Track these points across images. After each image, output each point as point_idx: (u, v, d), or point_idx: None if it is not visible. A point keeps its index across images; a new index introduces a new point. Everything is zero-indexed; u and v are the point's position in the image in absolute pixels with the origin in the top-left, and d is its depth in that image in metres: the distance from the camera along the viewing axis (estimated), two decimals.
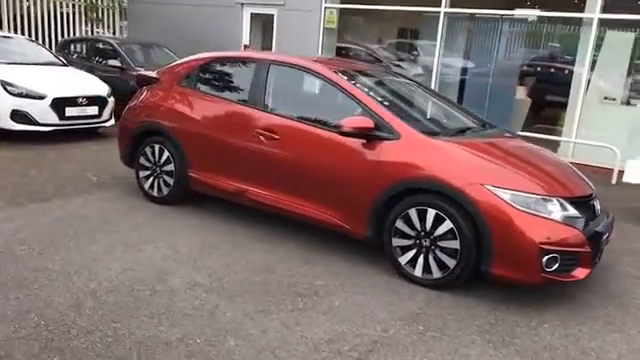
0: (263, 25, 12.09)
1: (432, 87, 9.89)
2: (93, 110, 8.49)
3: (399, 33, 12.36)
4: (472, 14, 10.21)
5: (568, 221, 3.78)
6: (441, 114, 5.06)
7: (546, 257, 3.65)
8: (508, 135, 4.91)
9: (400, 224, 4.06)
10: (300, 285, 3.89)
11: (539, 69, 10.89)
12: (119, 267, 3.94)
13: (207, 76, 5.28)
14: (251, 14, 12.10)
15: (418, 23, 11.02)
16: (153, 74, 5.60)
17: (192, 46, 11.38)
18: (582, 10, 9.04)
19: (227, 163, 4.93)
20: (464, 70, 10.71)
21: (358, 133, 4.13)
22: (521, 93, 10.71)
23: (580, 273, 3.80)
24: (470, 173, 3.86)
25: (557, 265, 3.70)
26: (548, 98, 10.82)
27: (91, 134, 8.66)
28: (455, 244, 3.84)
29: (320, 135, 4.44)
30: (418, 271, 4.03)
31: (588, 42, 9.04)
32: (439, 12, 9.97)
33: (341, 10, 11.21)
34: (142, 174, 5.56)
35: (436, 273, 3.96)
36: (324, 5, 11.10)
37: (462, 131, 4.56)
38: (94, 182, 6.14)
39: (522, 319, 3.66)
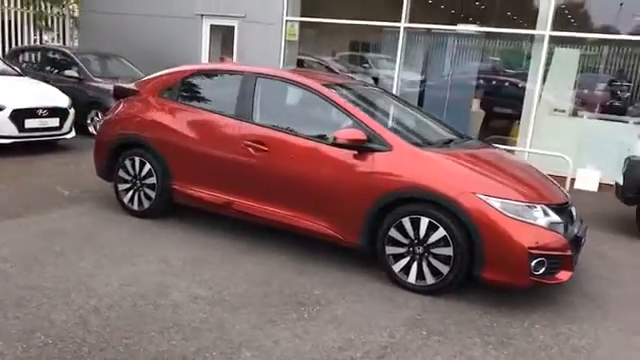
0: (223, 37, 12.06)
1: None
2: (54, 122, 8.25)
3: (359, 47, 12.61)
4: (429, 29, 10.57)
5: (552, 227, 4.02)
6: (423, 126, 5.24)
7: (534, 261, 3.86)
8: (485, 146, 5.15)
9: (394, 233, 4.19)
10: (300, 295, 3.94)
11: (493, 83, 11.37)
12: (116, 282, 3.88)
13: (190, 88, 5.27)
14: (211, 26, 12.05)
15: (378, 37, 11.29)
16: (132, 86, 5.53)
17: (150, 57, 11.32)
18: (534, 27, 9.54)
19: (212, 175, 4.93)
20: (423, 83, 11.05)
21: (351, 145, 4.25)
22: (475, 105, 11.15)
23: (564, 276, 4.03)
24: (461, 183, 4.04)
25: (544, 268, 3.92)
26: (502, 110, 11.30)
27: (51, 147, 8.38)
28: (448, 251, 4.00)
29: (311, 147, 4.52)
30: (412, 278, 4.16)
31: (539, 57, 9.54)
32: (399, 27, 10.26)
33: (302, 23, 11.33)
34: (121, 187, 5.46)
35: (430, 279, 4.10)
36: (285, 18, 11.21)
37: (447, 143, 4.75)
38: (66, 196, 5.97)
39: (514, 321, 3.85)
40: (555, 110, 9.95)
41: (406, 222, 4.14)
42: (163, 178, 5.17)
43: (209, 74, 5.36)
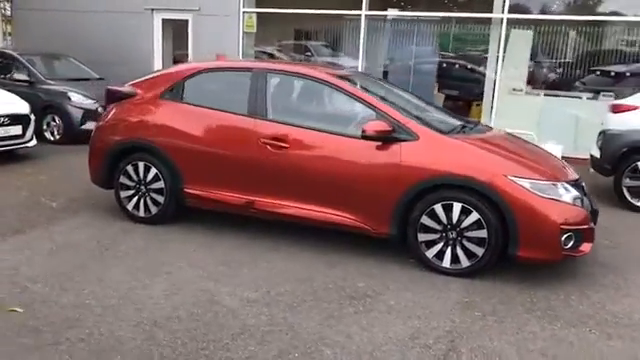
0: (177, 31, 11.71)
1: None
2: (16, 130, 7.79)
3: (319, 36, 12.58)
4: (385, 16, 10.72)
5: (575, 202, 4.24)
6: (433, 113, 5.34)
7: (564, 236, 4.07)
8: (492, 129, 5.33)
9: (425, 219, 4.29)
10: (347, 289, 3.97)
11: (453, 66, 11.70)
12: (160, 293, 3.75)
13: (194, 88, 5.11)
14: (163, 20, 11.66)
15: (339, 25, 11.32)
16: (129, 88, 5.30)
17: (97, 56, 10.86)
18: (491, 11, 9.89)
19: (229, 175, 4.83)
20: (386, 69, 11.20)
21: (380, 137, 4.29)
22: (434, 90, 11.46)
23: (586, 247, 4.27)
24: (491, 166, 4.19)
25: (572, 242, 4.14)
26: (461, 93, 11.67)
27: (13, 157, 7.87)
28: (482, 233, 4.14)
29: (335, 141, 4.53)
30: (446, 262, 4.28)
31: (497, 40, 9.92)
32: (360, 15, 10.33)
33: (259, 14, 11.19)
34: (124, 194, 5.25)
35: (464, 262, 4.24)
36: (242, 9, 11.02)
37: (462, 128, 4.87)
38: (55, 207, 5.67)
39: (550, 294, 4.05)
40: (513, 89, 10.38)
41: (438, 208, 4.24)
42: (172, 182, 5.02)
43: (214, 72, 5.20)
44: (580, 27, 10.09)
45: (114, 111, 5.32)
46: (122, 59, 11.44)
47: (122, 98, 5.31)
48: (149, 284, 3.89)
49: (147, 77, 5.44)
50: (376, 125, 4.28)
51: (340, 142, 4.52)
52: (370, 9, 10.32)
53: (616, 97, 10.01)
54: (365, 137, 4.30)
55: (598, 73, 10.87)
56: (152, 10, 11.60)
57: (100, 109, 9.42)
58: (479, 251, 4.18)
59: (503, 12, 9.64)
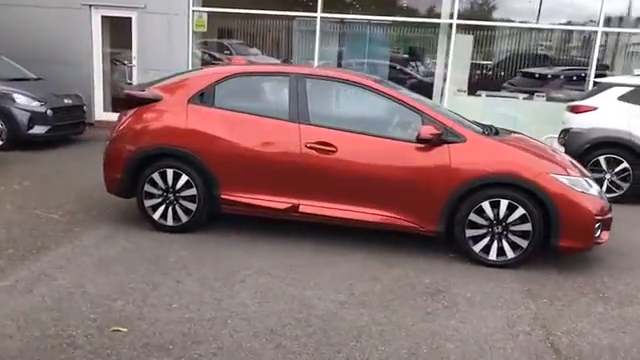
0: (119, 29, 11.14)
1: None
2: None
3: (271, 37, 12.52)
4: (343, 19, 10.98)
5: (600, 194, 4.75)
6: (458, 116, 5.61)
7: (596, 226, 4.56)
8: (510, 131, 5.64)
9: (473, 216, 4.59)
10: (417, 286, 4.17)
11: (401, 68, 12.17)
12: (251, 302, 3.72)
13: (228, 92, 5.01)
14: (102, 17, 11.04)
15: (293, 27, 11.38)
16: (154, 93, 5.08)
17: (31, 54, 10.12)
18: (439, 17, 10.49)
19: (271, 180, 4.83)
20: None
21: (433, 139, 4.52)
22: None
23: (606, 235, 4.80)
24: (535, 165, 4.58)
25: (599, 231, 4.64)
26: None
27: None
28: (527, 227, 4.52)
29: (383, 144, 4.70)
30: (492, 255, 4.62)
31: (444, 43, 10.55)
32: (315, 16, 10.50)
33: (210, 13, 10.97)
34: (148, 203, 5.04)
35: (510, 254, 4.60)
36: (192, 8, 10.74)
37: (491, 130, 5.21)
38: (60, 220, 5.30)
39: (587, 279, 4.52)
40: (458, 90, 11.08)
41: (486, 205, 4.56)
42: (207, 188, 4.91)
43: (246, 77, 5.14)
44: (512, 32, 10.99)
45: (135, 117, 5.08)
46: (59, 58, 10.73)
47: (141, 103, 5.08)
48: (233, 294, 3.83)
49: (168, 81, 5.26)
50: (430, 129, 4.50)
51: (388, 145, 4.70)
52: (324, 11, 10.50)
53: (548, 98, 11.13)
54: (421, 140, 4.51)
55: (525, 75, 11.90)
56: (90, 6, 10.94)
57: (49, 112, 8.84)
58: (524, 243, 4.55)
59: (452, 18, 10.25)
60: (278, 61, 11.54)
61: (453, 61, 10.72)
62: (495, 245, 4.61)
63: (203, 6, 10.94)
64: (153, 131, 5.01)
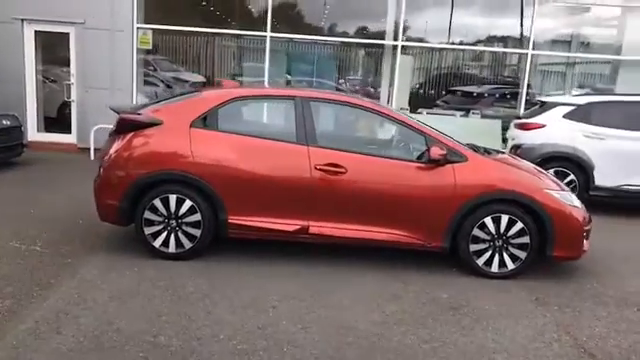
0: (54, 45, 10.55)
1: None
2: None
3: (221, 55, 12.34)
4: (291, 38, 11.10)
5: (581, 206, 5.19)
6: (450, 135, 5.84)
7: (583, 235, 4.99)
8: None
9: (477, 232, 4.86)
10: (440, 301, 4.34)
11: (349, 86, 12.46)
12: (293, 328, 3.71)
13: (231, 115, 4.97)
14: (36, 32, 10.42)
15: (243, 45, 11.34)
16: (152, 117, 4.91)
17: None
18: (391, 38, 10.92)
19: (280, 203, 4.83)
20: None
21: (442, 160, 4.75)
22: None
23: (587, 245, 5.23)
24: (531, 182, 4.93)
25: (584, 241, 5.07)
26: None
27: None
28: (525, 239, 4.85)
29: (390, 164, 4.86)
30: (494, 268, 4.90)
31: (389, 64, 10.99)
32: (265, 36, 10.55)
33: (155, 30, 10.69)
34: (148, 231, 4.86)
35: (510, 265, 4.90)
36: (136, 25, 10.42)
37: (484, 150, 5.49)
38: (44, 252, 4.97)
39: (579, 285, 4.90)
40: (401, 108, 11.53)
41: (488, 221, 4.84)
42: (213, 213, 4.82)
43: (249, 99, 5.10)
44: (446, 53, 11.66)
45: (133, 141, 4.88)
46: None
47: (138, 128, 4.91)
48: (272, 321, 3.80)
49: (163, 104, 5.12)
50: (439, 150, 4.72)
51: (395, 165, 4.86)
52: (272, 31, 10.57)
53: (483, 115, 11.87)
54: (431, 161, 4.72)
55: (458, 93, 12.62)
56: (22, 20, 10.28)
57: None
58: (522, 255, 4.87)
59: (396, 39, 10.70)
60: (201, 77, 11.53)
61: (398, 80, 11.16)
62: (497, 258, 4.89)
63: (145, 23, 10.62)
64: (155, 156, 4.85)
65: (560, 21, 11.67)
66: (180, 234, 4.86)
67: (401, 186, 4.82)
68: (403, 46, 10.81)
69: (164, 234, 4.87)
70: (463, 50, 11.85)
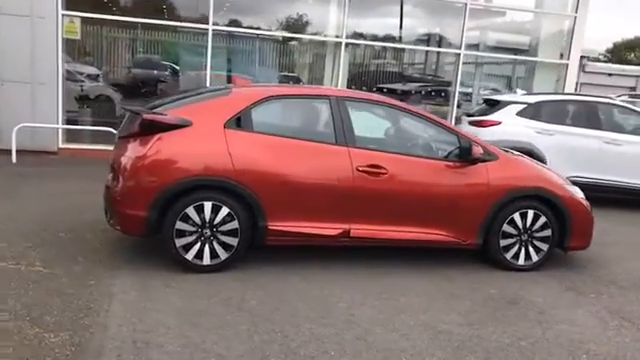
0: None
1: None
2: None
3: (155, 48, 11.46)
4: (231, 32, 10.69)
5: (585, 199, 5.58)
6: None
7: None
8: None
9: (506, 227, 5.05)
10: (495, 297, 4.45)
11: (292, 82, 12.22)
12: (395, 336, 3.61)
13: (265, 115, 4.66)
14: None
15: (182, 38, 10.67)
16: (181, 119, 4.46)
17: None
18: (334, 35, 10.90)
19: (322, 206, 4.66)
20: (230, 80, 11.09)
21: (481, 158, 4.86)
22: None
23: None
24: (551, 178, 5.23)
25: None
26: None
27: None
28: (548, 232, 5.13)
29: (428, 164, 4.89)
30: (521, 261, 5.13)
31: (332, 60, 11.01)
32: (207, 29, 10.06)
33: (85, 19, 9.72)
34: (180, 242, 4.45)
35: (534, 258, 5.16)
36: (61, 12, 9.40)
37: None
38: (58, 273, 4.36)
39: (586, 270, 5.27)
40: None
41: (516, 217, 5.05)
42: (251, 220, 4.52)
43: (283, 99, 4.83)
44: (377, 51, 11.95)
45: (159, 145, 4.41)
46: None
47: (168, 129, 4.45)
48: (364, 331, 3.65)
49: (190, 103, 4.71)
50: (480, 149, 4.83)
51: (432, 165, 4.90)
52: (214, 25, 10.11)
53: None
54: (473, 160, 4.81)
55: (385, 90, 12.98)
56: None
57: None
58: (545, 247, 5.16)
59: (341, 37, 10.74)
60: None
61: (341, 77, 11.22)
62: (523, 251, 5.12)
63: (71, 10, 9.62)
64: (188, 160, 4.43)
65: (483, 24, 12.43)
66: (215, 244, 4.49)
67: (439, 186, 4.87)
68: (347, 43, 10.85)
69: (197, 245, 4.46)
70: (398, 49, 12.19)
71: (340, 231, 4.69)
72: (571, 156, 8.39)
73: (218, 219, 4.45)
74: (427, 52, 12.56)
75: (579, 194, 5.29)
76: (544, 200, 5.09)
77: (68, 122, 10.00)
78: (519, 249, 5.11)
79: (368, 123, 5.14)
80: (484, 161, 4.94)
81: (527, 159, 5.64)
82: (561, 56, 12.17)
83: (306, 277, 4.54)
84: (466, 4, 11.07)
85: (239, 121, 4.58)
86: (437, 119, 5.10)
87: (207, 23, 9.99)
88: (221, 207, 4.44)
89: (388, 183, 4.72)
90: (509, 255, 5.09)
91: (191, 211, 4.40)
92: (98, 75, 11.05)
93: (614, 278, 5.13)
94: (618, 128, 8.53)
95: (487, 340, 3.64)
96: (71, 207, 6.12)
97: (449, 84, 12.26)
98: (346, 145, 4.70)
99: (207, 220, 4.44)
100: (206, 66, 10.10)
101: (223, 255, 4.52)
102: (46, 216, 5.72)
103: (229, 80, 10.70)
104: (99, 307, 3.76)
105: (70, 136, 9.99)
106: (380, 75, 12.68)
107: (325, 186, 4.63)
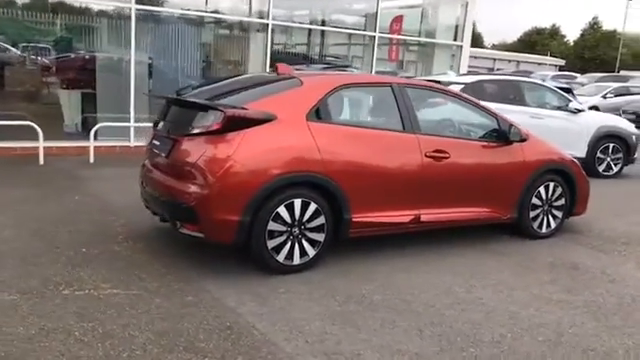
0: None
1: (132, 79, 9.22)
2: None
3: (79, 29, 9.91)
4: (156, 12, 9.83)
5: None
6: None
7: None
8: None
9: (534, 200, 5.55)
10: (556, 266, 4.83)
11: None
12: (534, 312, 3.85)
13: (337, 105, 4.53)
14: None
15: (102, 18, 9.48)
16: (265, 112, 4.13)
17: None
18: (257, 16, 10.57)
19: (397, 194, 4.70)
20: (154, 61, 10.17)
21: (522, 140, 5.26)
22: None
23: None
24: (562, 153, 5.81)
25: None
26: None
27: None
28: (562, 201, 5.75)
29: (479, 146, 5.17)
30: (544, 229, 5.68)
31: (246, 41, 10.74)
32: (130, 8, 9.16)
33: None
34: (273, 244, 4.20)
35: (552, 225, 5.74)
36: None
37: None
38: (134, 293, 3.88)
39: (586, 228, 6.01)
40: None
41: (542, 190, 5.57)
42: (335, 214, 4.41)
43: (351, 88, 4.68)
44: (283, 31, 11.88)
45: (248, 142, 4.06)
46: None
47: (253, 124, 4.13)
48: (509, 312, 3.82)
49: (280, 94, 4.42)
50: (523, 131, 5.22)
51: (482, 147, 5.18)
52: (137, 3, 9.23)
53: None
54: (522, 140, 5.19)
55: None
56: None
57: None
58: (560, 214, 5.77)
59: (268, 18, 10.49)
60: None
61: (252, 59, 10.96)
62: (545, 220, 5.67)
63: None
64: (280, 157, 4.16)
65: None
66: (304, 242, 4.31)
67: (489, 166, 5.18)
68: (274, 25, 10.61)
69: (288, 245, 4.25)
70: (302, 29, 12.17)
71: (412, 217, 4.77)
72: None
73: (306, 216, 4.26)
74: (323, 31, 12.61)
75: (579, 165, 5.97)
76: (560, 172, 5.66)
77: None
78: (542, 219, 5.63)
79: (426, 109, 5.24)
80: (522, 141, 5.34)
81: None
82: (455, 39, 13.18)
83: (395, 266, 4.55)
84: None
85: (318, 112, 4.39)
86: (479, 103, 5.37)
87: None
88: (309, 203, 4.25)
89: (450, 167, 4.90)
90: (535, 225, 5.59)
91: (282, 210, 4.16)
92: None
93: (611, 235, 5.86)
94: (541, 104, 9.59)
95: (603, 303, 4.03)
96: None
97: (348, 66, 12.59)
98: (413, 132, 4.76)
99: (297, 218, 4.22)
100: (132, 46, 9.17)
101: (311, 252, 4.35)
102: (37, 228, 4.90)
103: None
104: (237, 324, 3.43)
105: None
106: (284, 57, 12.56)
107: (400, 173, 4.67)
